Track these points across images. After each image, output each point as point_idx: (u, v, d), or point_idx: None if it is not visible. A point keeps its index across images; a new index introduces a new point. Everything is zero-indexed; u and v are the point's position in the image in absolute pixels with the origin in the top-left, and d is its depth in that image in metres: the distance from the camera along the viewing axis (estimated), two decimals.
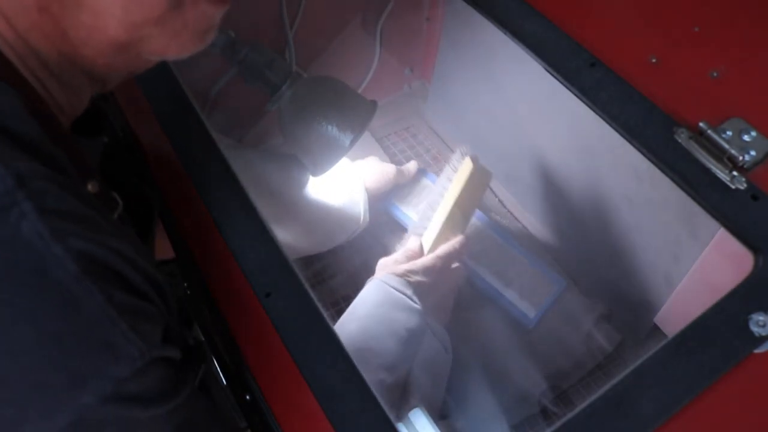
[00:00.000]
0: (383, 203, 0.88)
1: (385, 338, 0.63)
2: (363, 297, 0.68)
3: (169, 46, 0.43)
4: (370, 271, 0.82)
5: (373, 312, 0.66)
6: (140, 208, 0.55)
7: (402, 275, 0.69)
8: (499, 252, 0.85)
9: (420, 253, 0.74)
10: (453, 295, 0.76)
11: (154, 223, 0.59)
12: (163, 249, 0.63)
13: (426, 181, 0.91)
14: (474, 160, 0.77)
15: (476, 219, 0.87)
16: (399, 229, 0.89)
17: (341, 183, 0.82)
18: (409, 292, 0.67)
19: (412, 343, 0.65)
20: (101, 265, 0.35)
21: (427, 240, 0.75)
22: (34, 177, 0.33)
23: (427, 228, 0.76)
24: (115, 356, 0.34)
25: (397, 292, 0.67)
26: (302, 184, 0.79)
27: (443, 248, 0.74)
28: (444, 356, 0.69)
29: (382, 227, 0.88)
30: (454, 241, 0.75)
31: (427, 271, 0.71)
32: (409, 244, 0.75)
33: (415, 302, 0.67)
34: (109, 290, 0.34)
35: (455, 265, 0.74)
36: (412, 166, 0.90)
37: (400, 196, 0.89)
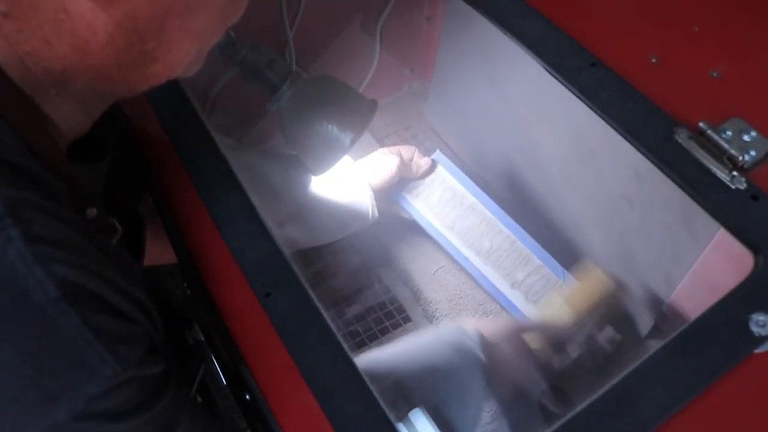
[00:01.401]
0: (392, 194, 0.86)
1: (431, 372, 0.63)
2: (434, 331, 0.69)
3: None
4: (370, 271, 0.83)
5: (434, 345, 0.66)
6: (132, 228, 0.56)
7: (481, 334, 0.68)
8: (509, 250, 0.82)
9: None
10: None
11: (144, 243, 0.60)
12: (163, 251, 0.64)
13: (440, 171, 0.87)
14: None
15: (490, 213, 0.84)
16: (401, 228, 0.88)
17: (345, 181, 0.81)
18: (478, 347, 0.66)
19: (457, 383, 0.65)
20: (82, 289, 0.36)
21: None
22: (25, 205, 0.35)
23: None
24: (88, 376, 0.36)
25: (468, 340, 0.66)
26: (304, 184, 0.79)
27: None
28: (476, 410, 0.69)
29: (383, 227, 0.88)
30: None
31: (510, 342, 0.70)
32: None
33: (480, 356, 0.66)
34: (87, 313, 0.36)
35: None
36: (425, 162, 0.86)
37: (410, 187, 0.86)
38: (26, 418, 0.35)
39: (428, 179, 0.86)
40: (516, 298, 0.80)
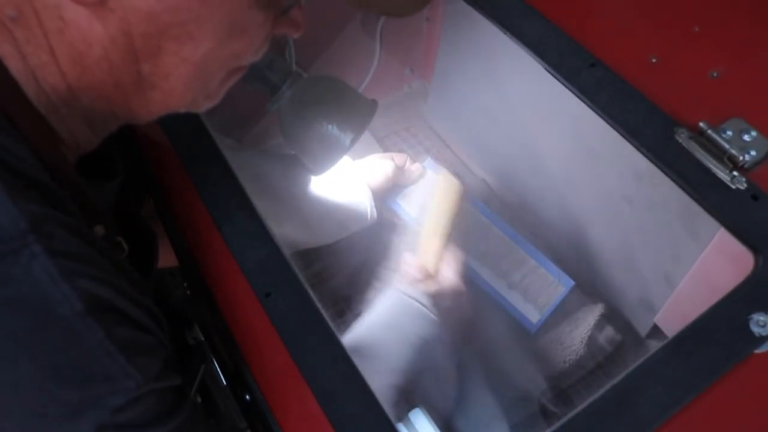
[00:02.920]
0: (386, 200, 0.87)
1: (396, 343, 0.63)
2: (379, 304, 0.68)
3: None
4: (370, 271, 0.82)
5: (386, 318, 0.65)
6: (143, 244, 0.56)
7: (421, 288, 0.68)
8: (505, 251, 0.83)
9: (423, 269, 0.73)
10: (468, 320, 0.74)
11: (157, 256, 0.60)
12: (164, 255, 0.63)
13: (433, 177, 0.87)
14: (449, 177, 0.77)
15: (484, 216, 0.85)
16: (399, 229, 0.88)
17: (345, 182, 0.81)
18: (426, 302, 0.66)
19: (423, 351, 0.64)
20: (104, 303, 0.36)
21: (428, 258, 0.74)
22: (45, 220, 0.35)
23: (421, 245, 0.75)
24: (112, 388, 0.36)
25: (414, 301, 0.66)
26: (304, 184, 0.79)
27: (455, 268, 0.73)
28: (452, 372, 0.68)
29: (382, 227, 0.88)
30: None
31: (448, 288, 0.70)
32: (411, 261, 0.73)
33: (432, 313, 0.66)
34: (110, 326, 0.36)
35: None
36: (416, 168, 0.86)
37: (404, 194, 0.87)
38: (51, 430, 0.36)
39: (422, 186, 0.87)
40: (514, 297, 0.80)
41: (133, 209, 0.58)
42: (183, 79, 0.42)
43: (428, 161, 0.88)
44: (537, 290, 0.80)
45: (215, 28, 0.41)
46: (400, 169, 0.85)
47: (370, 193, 0.81)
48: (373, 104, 0.71)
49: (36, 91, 0.40)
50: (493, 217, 0.85)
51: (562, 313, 0.80)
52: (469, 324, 0.73)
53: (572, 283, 0.80)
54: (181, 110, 0.46)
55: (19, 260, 0.33)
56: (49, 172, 0.39)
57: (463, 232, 0.82)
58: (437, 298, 0.68)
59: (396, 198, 0.87)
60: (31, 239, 0.34)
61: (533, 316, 0.79)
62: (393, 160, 0.84)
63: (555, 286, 0.80)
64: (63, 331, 0.35)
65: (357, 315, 0.83)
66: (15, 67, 0.39)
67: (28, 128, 0.39)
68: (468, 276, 0.76)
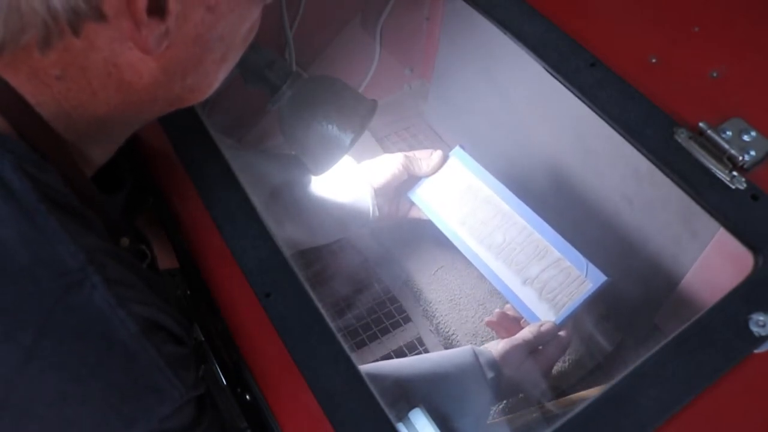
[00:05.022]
0: (406, 194, 0.85)
1: (442, 395, 0.64)
2: (450, 353, 0.69)
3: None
4: (370, 271, 0.82)
5: (447, 367, 0.67)
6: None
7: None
8: (524, 243, 0.76)
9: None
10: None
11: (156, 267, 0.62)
12: (164, 256, 0.64)
13: (454, 165, 0.83)
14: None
15: (507, 205, 0.79)
16: (407, 228, 0.88)
17: (346, 181, 0.81)
18: (494, 372, 0.67)
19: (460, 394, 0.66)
20: (153, 322, 0.41)
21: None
22: (98, 251, 0.39)
23: None
24: (161, 399, 0.40)
25: (476, 358, 0.67)
26: (304, 184, 0.79)
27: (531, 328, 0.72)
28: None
29: (389, 227, 0.88)
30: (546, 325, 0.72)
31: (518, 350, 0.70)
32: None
33: (488, 379, 0.67)
34: (159, 344, 0.40)
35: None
36: (436, 155, 0.84)
37: (424, 184, 0.84)
38: None
39: (442, 175, 0.84)
40: (526, 295, 0.74)
41: (133, 216, 0.59)
42: (218, 75, 0.47)
43: (457, 149, 0.84)
44: (556, 287, 0.72)
45: (236, 24, 0.44)
46: (415, 161, 0.83)
47: (373, 191, 0.81)
48: (374, 104, 0.71)
49: (66, 126, 0.42)
50: (517, 206, 0.78)
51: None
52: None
53: (604, 278, 0.70)
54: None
55: (82, 291, 0.37)
56: (77, 194, 0.42)
57: (481, 221, 0.80)
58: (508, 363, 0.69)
59: (415, 189, 0.84)
60: (90, 271, 0.38)
61: (547, 317, 0.72)
62: (409, 155, 0.83)
63: (580, 282, 0.71)
64: (123, 351, 0.39)
65: (357, 315, 0.83)
66: (44, 106, 0.41)
67: (52, 154, 0.42)
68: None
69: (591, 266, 0.71)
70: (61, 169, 0.42)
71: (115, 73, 0.40)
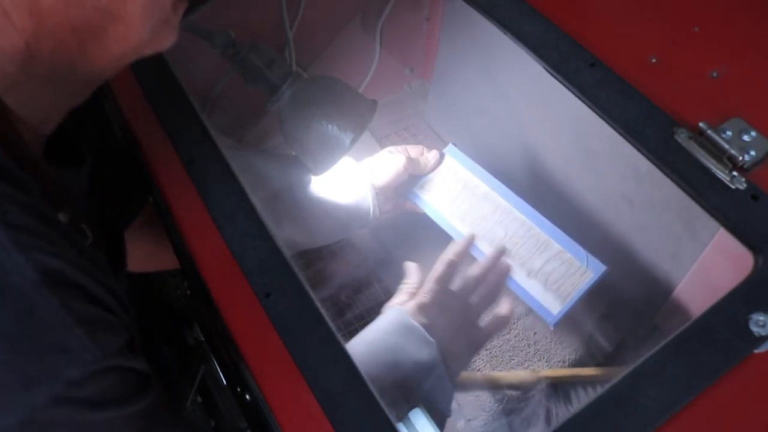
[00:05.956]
0: (405, 193, 0.85)
1: (392, 368, 0.61)
2: (378, 323, 0.65)
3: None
4: (370, 271, 0.82)
5: (384, 338, 0.63)
6: (112, 239, 0.56)
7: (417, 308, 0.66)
8: (525, 237, 0.77)
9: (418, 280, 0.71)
10: (472, 331, 0.70)
11: (124, 257, 0.60)
12: (163, 257, 0.64)
13: (451, 163, 0.84)
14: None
15: (505, 201, 0.80)
16: (407, 226, 0.87)
17: (346, 180, 0.81)
18: (426, 321, 0.64)
19: (420, 377, 0.62)
20: (62, 277, 0.37)
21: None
22: (3, 198, 0.35)
23: None
24: (68, 360, 0.36)
25: (414, 322, 0.64)
26: (304, 184, 0.79)
27: (438, 269, 0.70)
28: (449, 397, 0.66)
29: (384, 227, 0.88)
30: (448, 256, 0.71)
31: (435, 298, 0.68)
32: (408, 277, 0.72)
33: (429, 336, 0.64)
34: (67, 299, 0.36)
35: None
36: (432, 156, 0.85)
37: (422, 183, 0.85)
38: (4, 400, 0.35)
39: (439, 173, 0.85)
40: (532, 287, 0.75)
41: (107, 211, 0.58)
42: (140, 3, 0.40)
43: (450, 147, 0.85)
44: (560, 278, 0.74)
45: None
46: (414, 160, 0.83)
47: (373, 191, 0.81)
48: (373, 104, 0.71)
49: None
50: (515, 201, 0.80)
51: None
52: (472, 342, 0.70)
53: (603, 268, 0.72)
54: (147, 51, 0.44)
55: None
56: (11, 155, 0.38)
57: (481, 217, 0.80)
58: (432, 313, 0.66)
59: (414, 188, 0.85)
60: None
61: (554, 307, 0.73)
62: (407, 151, 0.83)
63: (582, 272, 0.73)
64: (16, 300, 0.35)
65: (357, 315, 0.83)
66: None
67: None
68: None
69: (591, 257, 0.73)
70: None
71: None
